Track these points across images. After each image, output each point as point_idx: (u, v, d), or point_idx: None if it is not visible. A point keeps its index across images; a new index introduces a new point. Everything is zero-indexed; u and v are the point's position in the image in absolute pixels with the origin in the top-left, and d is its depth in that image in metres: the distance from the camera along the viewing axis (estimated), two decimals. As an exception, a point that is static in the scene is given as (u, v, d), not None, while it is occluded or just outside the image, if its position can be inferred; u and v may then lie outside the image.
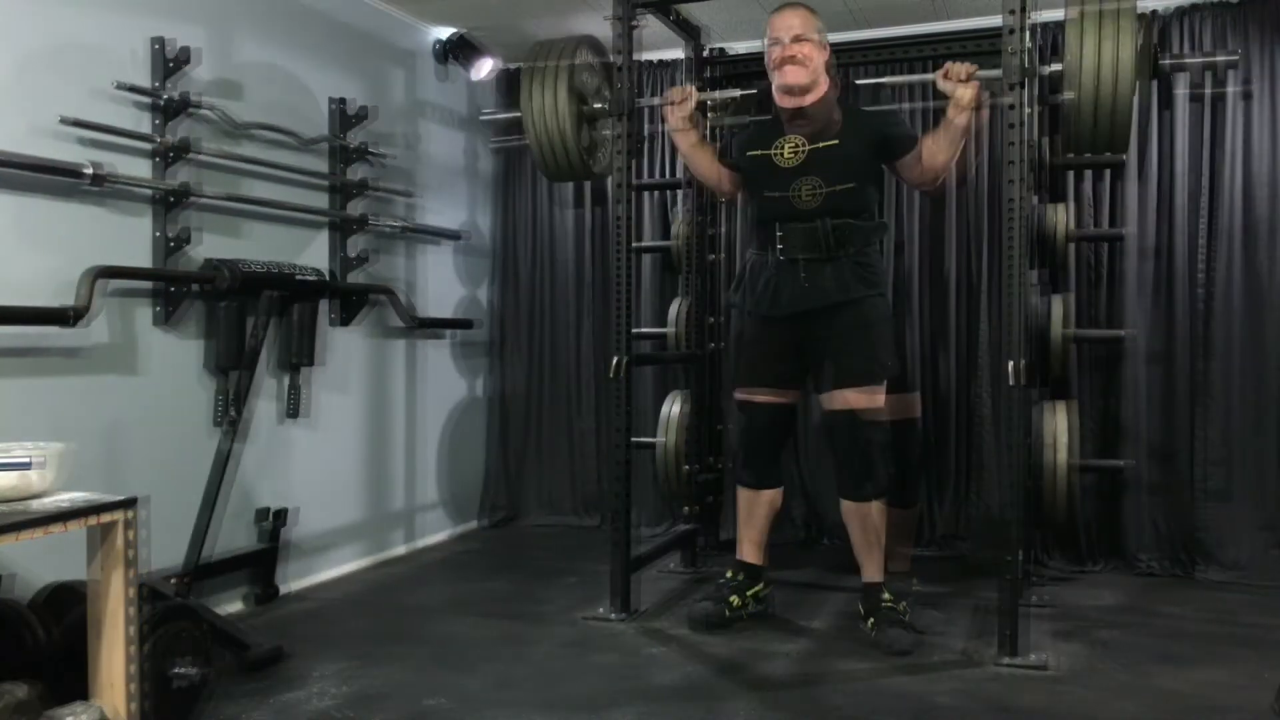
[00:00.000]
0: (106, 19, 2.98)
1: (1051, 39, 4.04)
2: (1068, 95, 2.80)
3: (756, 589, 3.36)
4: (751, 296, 3.27)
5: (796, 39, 3.09)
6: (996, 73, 2.92)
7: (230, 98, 3.40)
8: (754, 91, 3.47)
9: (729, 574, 3.38)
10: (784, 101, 3.17)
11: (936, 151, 3.11)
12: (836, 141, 3.14)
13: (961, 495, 4.25)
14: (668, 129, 3.49)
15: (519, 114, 3.45)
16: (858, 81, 3.49)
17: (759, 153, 3.23)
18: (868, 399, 3.15)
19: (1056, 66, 2.82)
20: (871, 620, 3.13)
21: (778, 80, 3.15)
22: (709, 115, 3.61)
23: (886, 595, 3.18)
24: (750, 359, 3.33)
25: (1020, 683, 2.75)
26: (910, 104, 4.27)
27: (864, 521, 3.20)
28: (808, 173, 3.13)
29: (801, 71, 3.10)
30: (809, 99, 3.14)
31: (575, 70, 3.38)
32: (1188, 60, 3.35)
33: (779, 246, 3.17)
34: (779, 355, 3.27)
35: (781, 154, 3.17)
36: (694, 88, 3.37)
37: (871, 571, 3.21)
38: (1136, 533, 4.00)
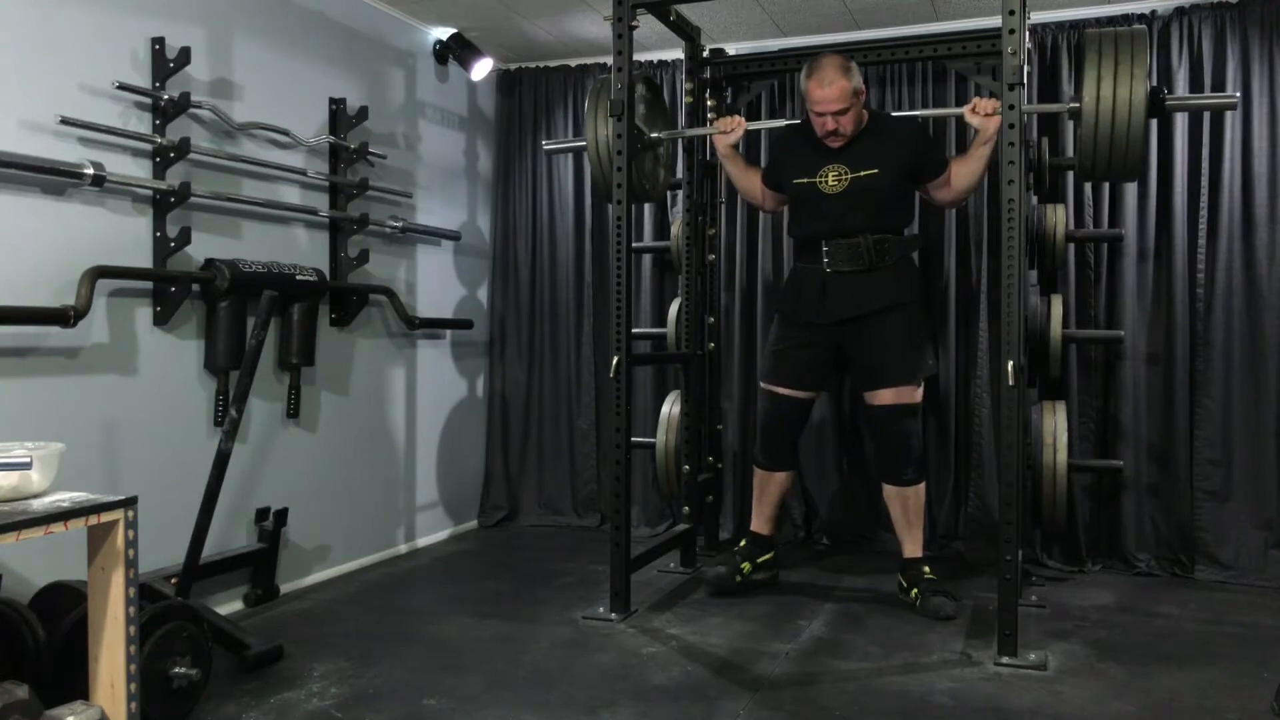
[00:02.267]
0: (106, 19, 2.98)
1: (1067, 40, 4.05)
2: (1083, 131, 3.03)
3: (766, 557, 3.73)
4: (799, 303, 3.57)
5: (837, 114, 3.35)
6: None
7: (229, 98, 3.41)
8: (797, 122, 3.70)
9: (742, 543, 3.75)
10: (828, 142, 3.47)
11: (963, 176, 3.46)
12: (876, 170, 3.42)
13: (960, 495, 4.25)
14: (718, 155, 3.80)
15: (581, 143, 3.73)
16: (892, 114, 3.74)
17: (805, 180, 3.50)
18: (907, 395, 3.48)
19: (1074, 104, 3.07)
20: (915, 591, 3.44)
21: (823, 142, 3.45)
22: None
23: (927, 569, 3.50)
24: (783, 357, 3.61)
25: (1018, 682, 2.75)
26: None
27: (905, 504, 3.54)
28: (850, 197, 3.43)
29: (844, 139, 3.42)
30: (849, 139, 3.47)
31: (634, 103, 3.55)
32: (1190, 102, 3.51)
33: (825, 260, 3.47)
34: (812, 358, 3.57)
35: (826, 181, 3.46)
36: (741, 118, 3.64)
37: (912, 548, 3.55)
38: (1134, 532, 4.00)
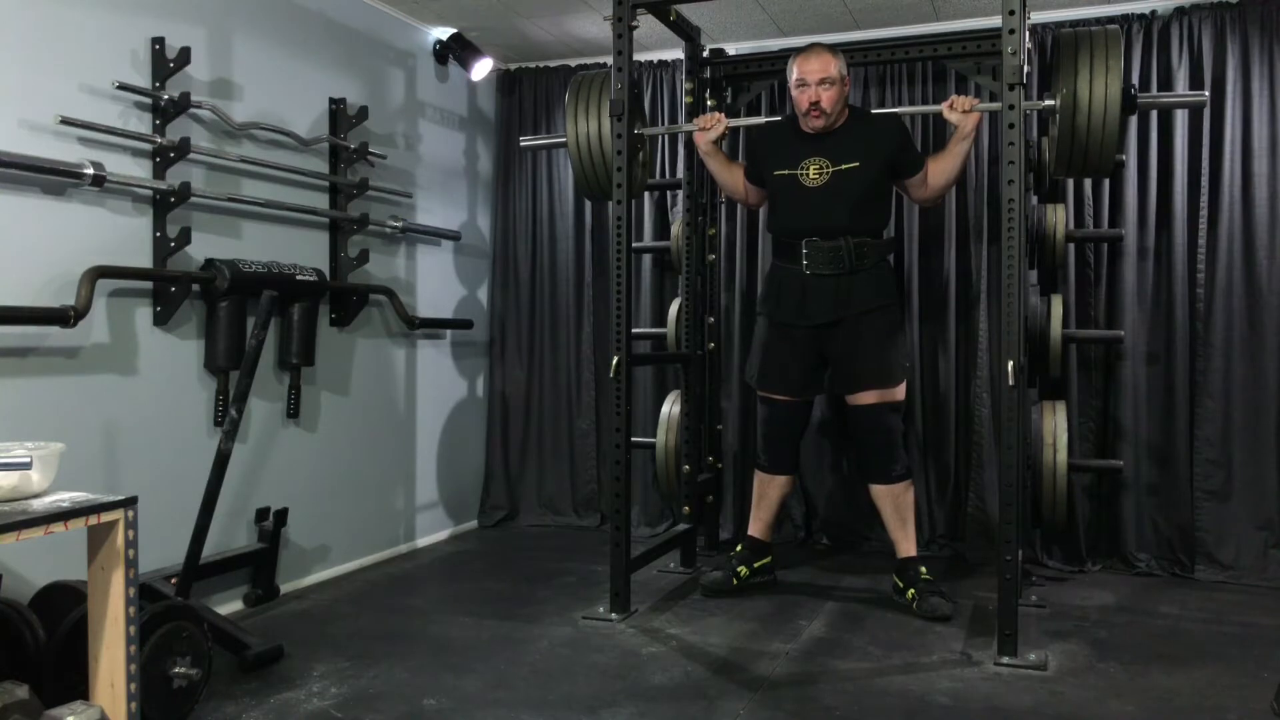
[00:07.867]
0: (106, 19, 2.98)
1: (1052, 39, 4.05)
2: (1059, 127, 3.13)
3: (762, 562, 3.72)
4: (779, 306, 3.56)
5: (821, 83, 3.36)
6: (996, 105, 3.12)
7: (229, 98, 3.41)
8: (779, 119, 3.70)
9: (739, 548, 3.75)
10: (807, 129, 3.46)
11: (940, 173, 3.46)
12: (857, 164, 3.41)
13: (960, 495, 4.25)
14: (699, 153, 3.73)
15: (560, 139, 3.74)
16: (873, 111, 3.72)
17: (785, 173, 3.49)
18: (890, 393, 3.48)
19: (1051, 101, 3.17)
20: (911, 591, 3.41)
21: (803, 122, 3.45)
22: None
23: (923, 569, 3.48)
24: (773, 364, 3.60)
25: (1018, 682, 2.75)
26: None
27: (895, 502, 3.51)
28: (831, 191, 3.42)
29: (825, 118, 3.40)
30: (831, 127, 3.45)
31: (633, 102, 3.53)
32: (1162, 100, 3.56)
33: (805, 263, 3.45)
34: (800, 362, 3.55)
35: (807, 174, 3.45)
36: (722, 115, 3.63)
37: (906, 548, 3.52)
38: (1134, 532, 4.00)
